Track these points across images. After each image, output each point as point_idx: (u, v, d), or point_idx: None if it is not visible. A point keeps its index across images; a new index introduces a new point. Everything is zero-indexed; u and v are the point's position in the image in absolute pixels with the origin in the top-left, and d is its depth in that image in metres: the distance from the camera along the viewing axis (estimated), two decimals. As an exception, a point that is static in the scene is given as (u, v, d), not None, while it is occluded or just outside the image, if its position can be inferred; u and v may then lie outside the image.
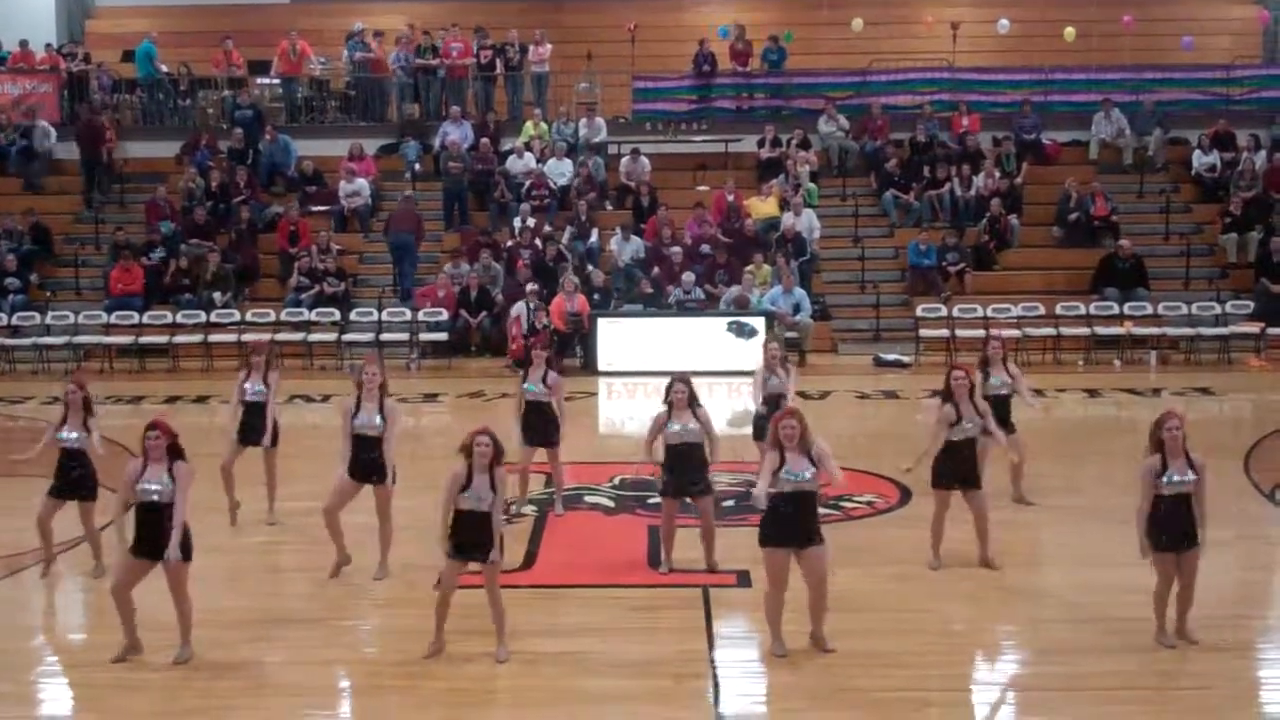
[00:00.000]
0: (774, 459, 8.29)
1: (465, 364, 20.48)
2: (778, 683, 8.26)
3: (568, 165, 23.61)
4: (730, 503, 11.65)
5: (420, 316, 20.82)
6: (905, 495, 12.13)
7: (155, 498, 8.18)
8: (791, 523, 8.29)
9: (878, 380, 19.19)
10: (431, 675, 8.29)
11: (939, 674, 8.30)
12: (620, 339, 19.81)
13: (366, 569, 10.11)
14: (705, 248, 21.68)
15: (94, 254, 23.09)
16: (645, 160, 23.73)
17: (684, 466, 9.90)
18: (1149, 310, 20.89)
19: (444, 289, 21.07)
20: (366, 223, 23.57)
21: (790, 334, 19.88)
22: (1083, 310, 20.85)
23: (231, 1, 28.30)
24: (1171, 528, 8.37)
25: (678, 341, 19.44)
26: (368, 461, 9.91)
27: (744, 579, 9.86)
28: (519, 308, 20.08)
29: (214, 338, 20.72)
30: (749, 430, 12.09)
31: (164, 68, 25.83)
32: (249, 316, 21.12)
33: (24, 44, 25.99)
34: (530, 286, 20.32)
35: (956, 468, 10.03)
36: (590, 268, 21.50)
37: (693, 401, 9.91)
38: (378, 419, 9.90)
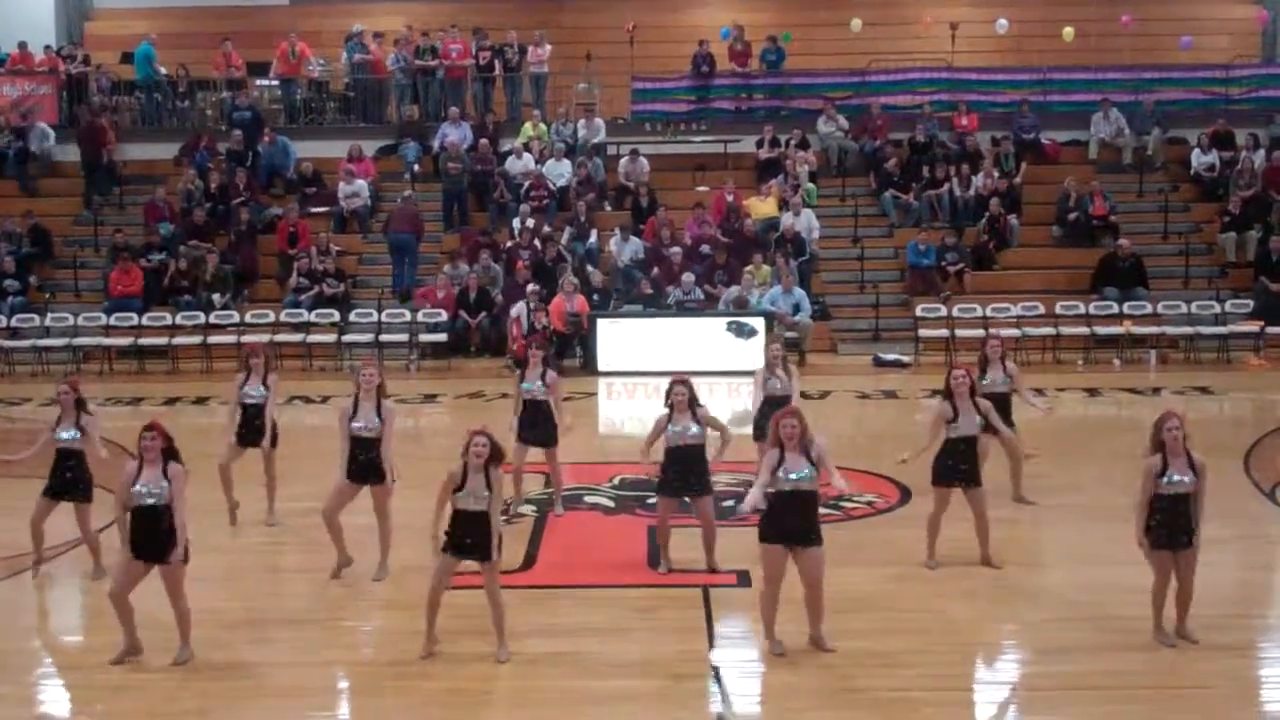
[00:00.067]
0: (773, 458, 8.30)
1: (465, 365, 20.48)
2: (778, 683, 8.25)
3: (567, 166, 23.61)
4: (730, 503, 11.65)
5: (420, 317, 20.83)
6: (905, 495, 12.13)
7: (151, 500, 8.18)
8: (790, 522, 8.29)
9: (877, 380, 19.19)
10: (431, 676, 8.29)
11: (939, 673, 8.30)
12: (620, 339, 19.81)
13: (366, 570, 10.11)
14: (705, 248, 21.69)
15: (93, 256, 23.10)
16: (644, 161, 23.73)
17: (683, 468, 9.91)
18: (1148, 309, 20.90)
19: (443, 290, 21.07)
20: (366, 224, 23.58)
21: (790, 334, 19.88)
22: (1082, 310, 20.85)
23: (230, 3, 28.30)
24: (1170, 527, 8.37)
25: (677, 342, 19.45)
26: (365, 463, 9.92)
27: (744, 579, 9.86)
28: (519, 308, 20.09)
29: (213, 339, 20.73)
30: (749, 430, 12.10)
31: (163, 69, 25.83)
32: (248, 318, 21.12)
33: (23, 46, 25.99)
34: (530, 287, 20.33)
35: (956, 466, 10.04)
36: (590, 268, 21.51)
37: (693, 403, 9.93)
38: (375, 420, 9.91)
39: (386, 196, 23.97)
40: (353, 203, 23.41)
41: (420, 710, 7.98)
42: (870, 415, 17.25)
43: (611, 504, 12.23)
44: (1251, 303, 21.05)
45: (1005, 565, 10.18)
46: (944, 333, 20.54)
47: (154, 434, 8.28)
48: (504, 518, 11.37)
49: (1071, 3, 26.87)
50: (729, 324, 19.72)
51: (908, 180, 23.57)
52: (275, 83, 25.88)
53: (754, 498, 8.49)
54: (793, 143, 24.13)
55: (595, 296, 20.83)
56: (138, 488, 8.19)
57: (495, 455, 8.27)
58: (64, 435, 9.94)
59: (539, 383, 11.45)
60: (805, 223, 22.15)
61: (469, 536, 8.29)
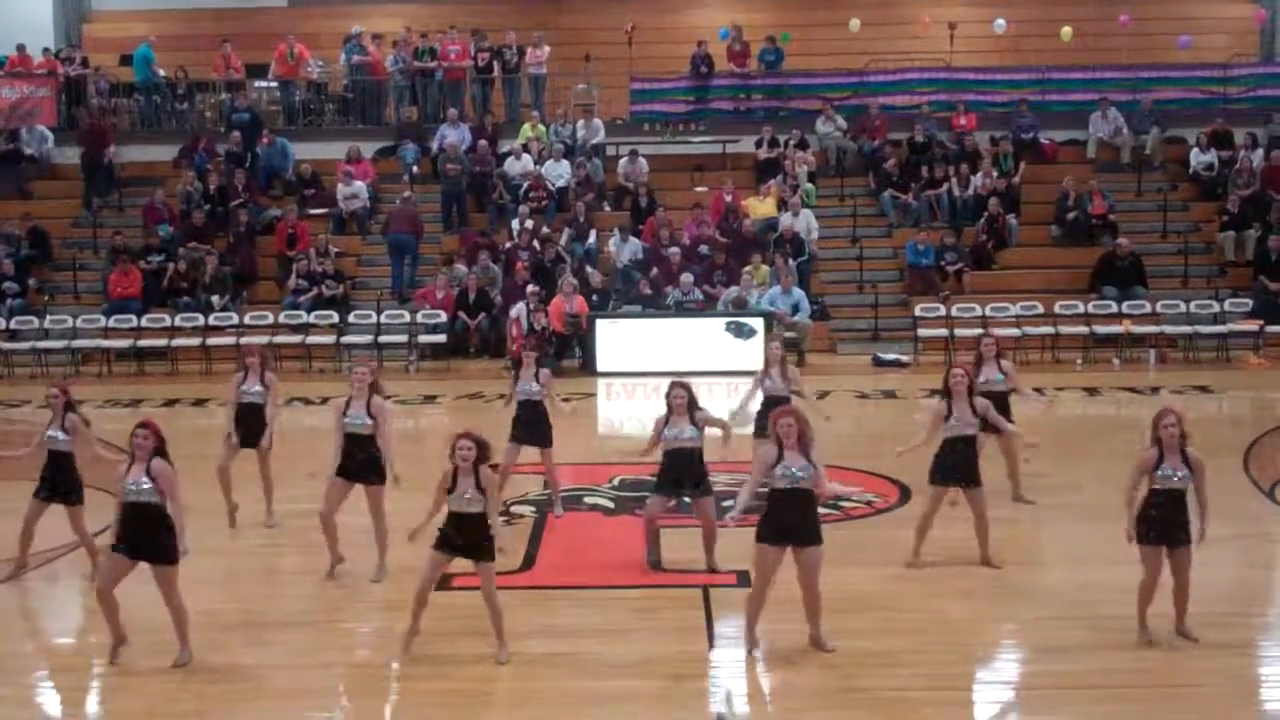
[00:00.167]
0: (770, 456, 8.30)
1: (464, 365, 20.49)
2: (778, 683, 8.26)
3: (566, 167, 23.62)
4: (730, 503, 11.63)
5: (419, 318, 20.83)
6: (905, 495, 12.13)
7: (136, 497, 8.18)
8: (790, 520, 8.28)
9: (877, 380, 19.19)
10: (431, 677, 8.28)
11: (938, 673, 8.29)
12: (619, 340, 19.81)
13: (364, 571, 10.11)
14: (704, 248, 21.69)
15: (92, 258, 23.11)
16: (643, 161, 23.74)
17: (679, 470, 9.94)
18: (1147, 309, 20.91)
19: (443, 290, 21.08)
20: (365, 225, 23.59)
21: (789, 334, 19.85)
22: (1081, 309, 20.86)
23: (229, 5, 28.32)
24: (1162, 523, 8.37)
25: (676, 342, 19.46)
26: (358, 460, 9.97)
27: (744, 579, 9.80)
28: (518, 309, 20.09)
29: (212, 341, 20.74)
30: (749, 430, 12.10)
31: (161, 71, 25.84)
32: (247, 319, 21.13)
33: (21, 48, 25.98)
34: (529, 288, 20.33)
35: (954, 465, 10.04)
36: (589, 269, 21.51)
37: (691, 406, 9.94)
38: (365, 418, 9.94)
39: (385, 198, 23.98)
40: (351, 204, 23.42)
41: (420, 711, 7.98)
42: (870, 415, 17.25)
43: (611, 505, 12.23)
44: (1250, 302, 21.07)
45: (1004, 565, 10.18)
46: (943, 332, 20.54)
47: (146, 432, 8.29)
48: (504, 521, 11.43)
49: (1069, 2, 26.91)
50: (728, 324, 19.72)
51: (906, 180, 23.57)
52: (274, 84, 25.90)
53: (744, 498, 8.52)
54: (791, 143, 24.14)
55: (594, 297, 20.84)
56: (126, 484, 8.20)
57: (482, 456, 8.27)
58: (53, 436, 9.95)
59: (534, 383, 11.47)
60: (804, 223, 22.15)
61: (461, 537, 8.30)
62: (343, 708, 8.15)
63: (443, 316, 20.84)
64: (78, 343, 20.97)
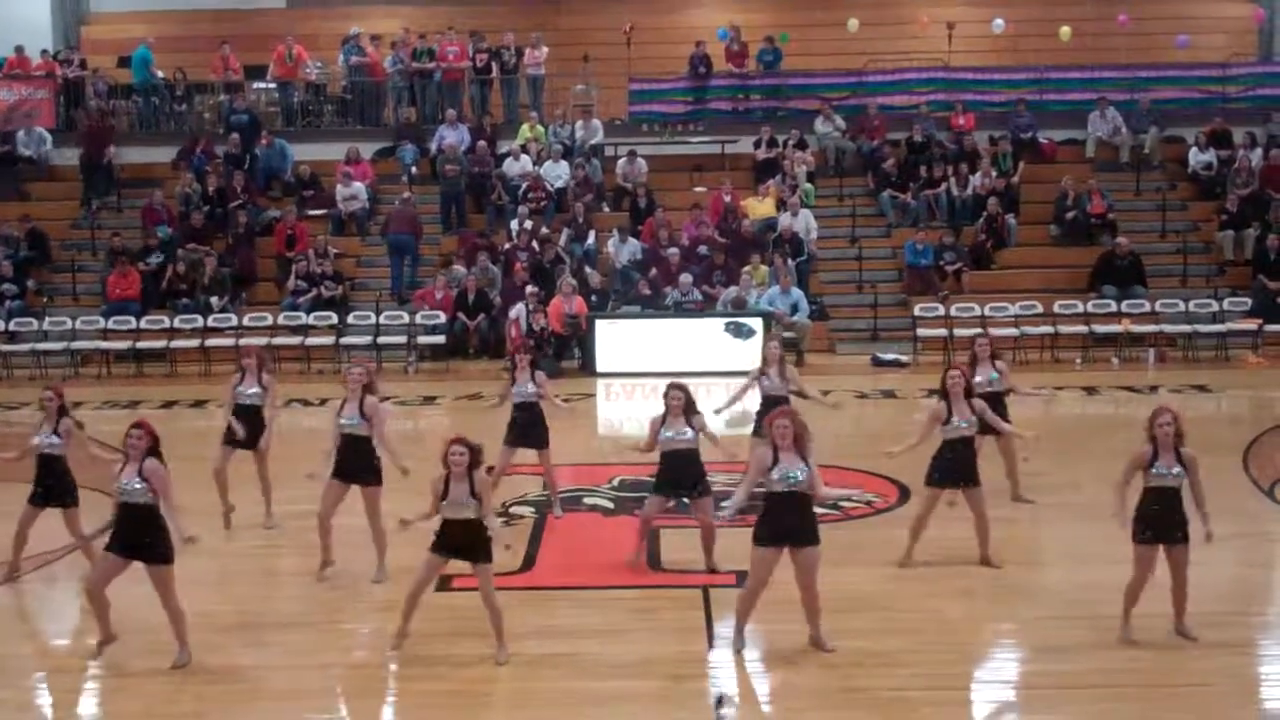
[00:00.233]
0: (765, 458, 8.30)
1: (463, 366, 20.47)
2: (777, 682, 8.26)
3: (564, 167, 23.62)
4: (726, 504, 11.63)
5: (418, 319, 20.82)
6: (904, 495, 12.13)
7: (129, 498, 8.18)
8: (788, 522, 8.29)
9: (876, 380, 19.18)
10: (430, 678, 8.29)
11: (938, 673, 8.29)
12: (618, 340, 19.81)
13: (363, 573, 10.11)
14: (703, 249, 21.69)
15: (91, 259, 23.10)
16: (642, 162, 23.73)
17: (676, 471, 9.95)
18: (1146, 308, 20.91)
19: (441, 291, 21.08)
20: (364, 226, 23.59)
21: (788, 334, 19.86)
22: (1080, 308, 20.85)
23: (227, 6, 28.31)
24: (1157, 521, 8.38)
25: (675, 343, 19.46)
26: (353, 462, 9.99)
27: (744, 579, 9.82)
28: (517, 310, 20.09)
29: (211, 342, 20.72)
30: (748, 430, 12.10)
31: (160, 73, 25.83)
32: (246, 321, 21.11)
33: (19, 50, 25.98)
34: (528, 289, 20.32)
35: (952, 467, 10.04)
36: (588, 269, 21.51)
37: (689, 408, 9.95)
38: (360, 419, 9.95)
39: (384, 199, 23.98)
40: (350, 205, 23.42)
41: (419, 712, 7.99)
42: (869, 415, 17.24)
43: (611, 505, 12.23)
44: (1249, 301, 21.07)
45: (1003, 564, 10.18)
46: (942, 332, 20.54)
47: (141, 432, 8.28)
48: (502, 522, 11.43)
49: (1068, 2, 26.92)
50: (727, 324, 19.72)
51: (905, 180, 23.57)
52: (272, 86, 25.88)
53: (738, 499, 8.55)
54: (790, 143, 24.14)
55: (593, 297, 20.84)
56: (119, 484, 8.20)
57: (475, 461, 8.27)
58: (43, 441, 9.95)
59: (530, 385, 11.47)
60: (803, 223, 22.16)
61: (456, 542, 8.31)
62: (342, 709, 8.14)
63: (442, 317, 20.84)
64: (76, 344, 20.95)
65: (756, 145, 24.46)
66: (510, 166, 23.74)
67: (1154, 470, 8.38)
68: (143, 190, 23.85)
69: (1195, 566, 8.56)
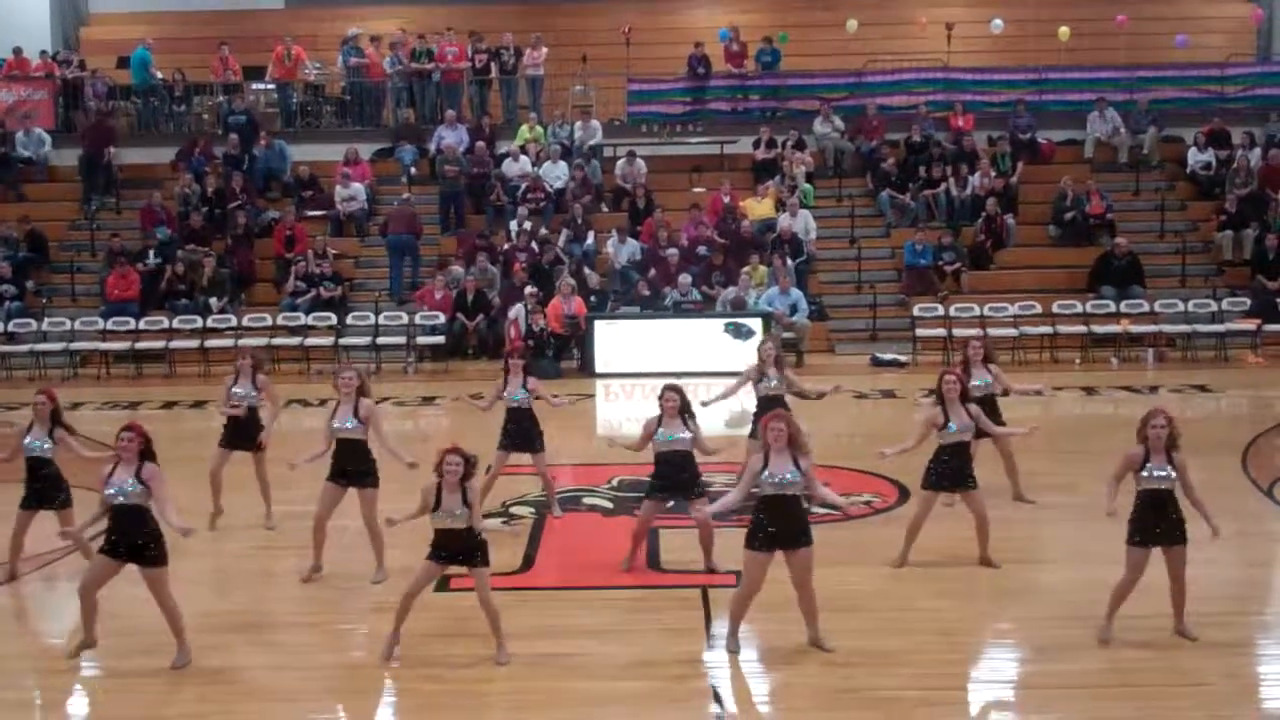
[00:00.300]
0: (758, 462, 8.31)
1: (462, 367, 20.47)
2: (776, 682, 8.26)
3: (563, 168, 23.62)
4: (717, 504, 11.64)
5: (417, 320, 20.81)
6: (903, 495, 12.13)
7: (121, 499, 8.17)
8: (779, 525, 8.28)
9: (875, 380, 19.17)
10: (430, 678, 8.28)
11: (937, 673, 8.29)
12: (617, 341, 19.81)
13: (361, 573, 10.10)
14: (702, 249, 21.69)
15: (90, 260, 23.10)
16: (641, 162, 23.73)
17: (670, 472, 9.95)
18: (1145, 308, 20.91)
19: (440, 291, 21.08)
20: (362, 227, 23.58)
21: (787, 335, 19.89)
22: (1079, 309, 20.86)
23: (226, 8, 28.33)
24: (1151, 525, 8.38)
25: (675, 343, 19.45)
26: (348, 466, 10.01)
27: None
28: (516, 310, 20.09)
29: (210, 343, 20.71)
30: (745, 431, 12.09)
31: (159, 74, 25.83)
32: (245, 321, 21.11)
33: (18, 51, 25.97)
34: (527, 289, 20.32)
35: (948, 471, 10.04)
36: (587, 270, 21.52)
37: (683, 410, 9.94)
38: (350, 422, 9.96)
39: (383, 200, 23.98)
40: (349, 206, 23.41)
41: (418, 713, 7.98)
42: (868, 415, 17.24)
43: (610, 505, 12.23)
44: (1248, 301, 21.08)
45: (1003, 564, 10.18)
46: (941, 332, 20.55)
47: (131, 434, 8.26)
48: (500, 521, 11.44)
49: (1067, 2, 26.95)
50: (726, 325, 19.72)
51: (904, 180, 23.58)
52: (271, 86, 25.89)
53: (731, 499, 8.60)
54: (789, 143, 24.14)
55: (592, 298, 20.85)
56: (110, 488, 8.18)
57: (469, 473, 8.26)
58: (32, 444, 9.94)
59: (522, 390, 11.47)
60: (802, 223, 22.17)
61: (451, 550, 8.31)
62: (341, 709, 8.14)
63: (441, 318, 20.84)
64: (75, 345, 20.95)
65: (755, 146, 24.47)
66: (509, 167, 23.75)
67: (1145, 474, 8.38)
68: (142, 191, 23.86)
69: (1195, 566, 8.56)
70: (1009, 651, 8.92)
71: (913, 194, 23.38)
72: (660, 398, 9.98)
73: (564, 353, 20.14)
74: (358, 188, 23.47)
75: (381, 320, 21.02)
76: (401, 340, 20.81)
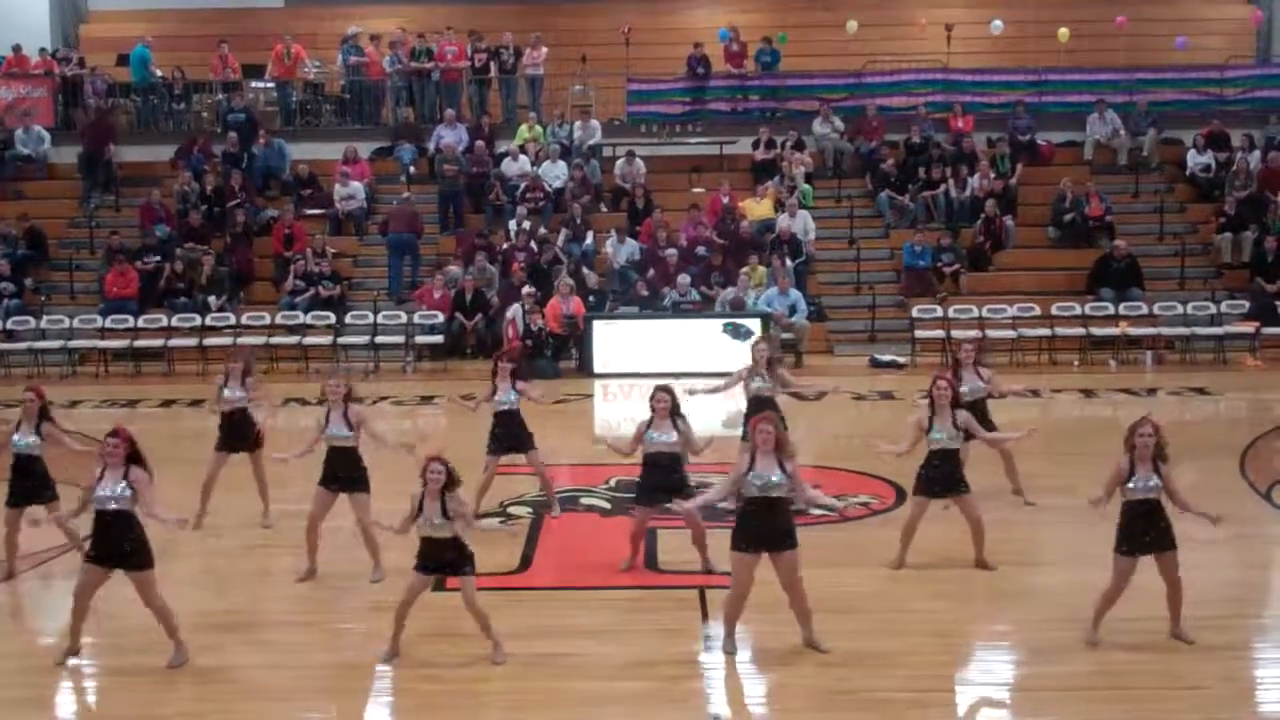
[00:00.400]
0: (744, 463, 8.31)
1: (461, 367, 20.45)
2: (774, 683, 8.26)
3: (563, 168, 23.61)
4: (725, 504, 11.63)
5: (416, 319, 20.80)
6: (901, 496, 12.12)
7: (110, 505, 8.16)
8: (763, 527, 8.29)
9: (873, 381, 19.17)
10: (426, 678, 8.28)
11: (934, 674, 8.30)
12: (616, 341, 19.80)
13: (356, 573, 10.10)
14: (701, 249, 21.69)
15: (89, 258, 23.09)
16: (640, 162, 23.72)
17: (658, 475, 9.96)
18: (1144, 310, 20.89)
19: (439, 291, 21.07)
20: (361, 226, 23.57)
21: (786, 335, 19.89)
22: (1078, 310, 20.85)
23: (226, 5, 28.32)
24: (1138, 535, 8.38)
25: (673, 343, 19.43)
26: (340, 472, 10.04)
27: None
28: (514, 310, 20.08)
29: (209, 341, 20.69)
30: (739, 432, 12.10)
31: (158, 72, 25.82)
32: (244, 320, 21.10)
33: (17, 49, 25.96)
34: (525, 289, 20.31)
35: (938, 477, 10.04)
36: (586, 270, 21.51)
37: (674, 411, 9.94)
38: (342, 429, 9.99)
39: (382, 199, 23.97)
40: (348, 205, 23.41)
41: (416, 713, 7.98)
42: (866, 416, 17.24)
43: (608, 506, 12.22)
44: (1247, 303, 21.07)
45: (1000, 566, 10.18)
46: (940, 334, 20.54)
47: (118, 440, 8.25)
48: (498, 521, 11.43)
49: (1066, 4, 26.94)
50: (725, 325, 19.71)
51: (903, 181, 23.58)
52: (270, 85, 25.87)
53: (709, 496, 8.66)
54: (788, 144, 24.13)
55: (591, 298, 20.84)
56: (99, 493, 8.18)
57: (451, 482, 8.24)
58: (20, 441, 9.94)
59: (512, 393, 11.47)
60: (801, 224, 22.16)
61: (433, 559, 8.32)
62: (338, 709, 8.14)
63: (439, 317, 20.83)
64: (74, 343, 20.93)
65: (755, 146, 24.46)
66: (508, 166, 23.74)
67: (1132, 484, 8.38)
68: (141, 189, 23.83)
69: (1193, 569, 8.57)
70: (1005, 654, 8.91)
71: (912, 195, 23.37)
72: (652, 398, 9.99)
73: (562, 353, 20.14)
74: (357, 187, 23.46)
75: (380, 319, 21.02)
76: (400, 339, 20.80)
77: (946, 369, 11.45)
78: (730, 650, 8.53)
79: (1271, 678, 8.56)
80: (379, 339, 20.86)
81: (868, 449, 10.48)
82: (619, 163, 23.97)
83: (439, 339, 20.82)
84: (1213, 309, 21.03)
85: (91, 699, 8.29)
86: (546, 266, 21.25)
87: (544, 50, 25.25)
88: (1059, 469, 13.19)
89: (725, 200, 22.67)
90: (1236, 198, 22.58)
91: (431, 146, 24.22)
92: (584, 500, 12.40)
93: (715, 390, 12.30)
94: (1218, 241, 22.50)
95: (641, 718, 7.84)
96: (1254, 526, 11.47)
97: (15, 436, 9.98)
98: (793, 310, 20.37)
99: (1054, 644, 8.66)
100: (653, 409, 9.95)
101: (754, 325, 19.52)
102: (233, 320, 21.06)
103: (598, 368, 19.60)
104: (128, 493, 8.14)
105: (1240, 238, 22.32)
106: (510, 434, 11.52)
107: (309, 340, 20.81)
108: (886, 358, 20.32)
